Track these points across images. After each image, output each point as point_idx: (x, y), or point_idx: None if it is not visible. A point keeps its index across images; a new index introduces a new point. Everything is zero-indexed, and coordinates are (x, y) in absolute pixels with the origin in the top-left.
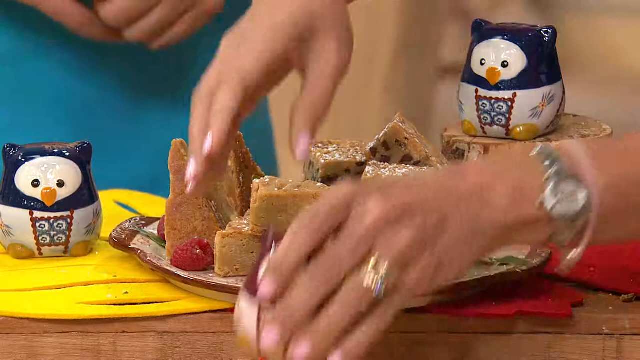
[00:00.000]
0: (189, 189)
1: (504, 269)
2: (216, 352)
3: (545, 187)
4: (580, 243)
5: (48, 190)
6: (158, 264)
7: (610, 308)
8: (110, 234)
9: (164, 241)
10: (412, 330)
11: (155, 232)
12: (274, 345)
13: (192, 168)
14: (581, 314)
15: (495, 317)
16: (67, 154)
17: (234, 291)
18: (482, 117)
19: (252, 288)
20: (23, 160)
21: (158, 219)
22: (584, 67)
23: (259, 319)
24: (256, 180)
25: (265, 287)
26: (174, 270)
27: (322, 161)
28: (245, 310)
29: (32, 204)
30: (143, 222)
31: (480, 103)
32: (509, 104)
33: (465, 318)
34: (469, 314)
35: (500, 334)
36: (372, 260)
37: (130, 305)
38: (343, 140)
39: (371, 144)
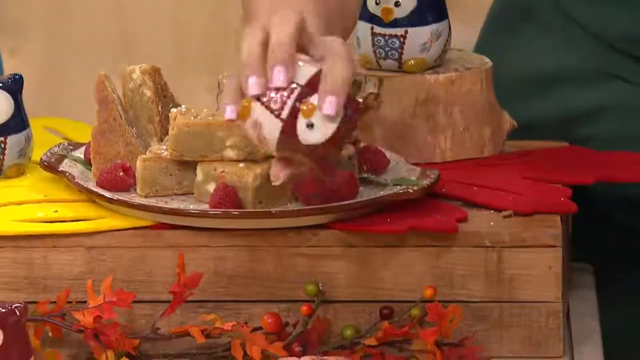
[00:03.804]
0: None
1: (398, 189)
2: (138, 265)
3: None
4: None
5: None
6: (85, 185)
7: (492, 223)
8: (41, 158)
9: (90, 164)
10: (315, 245)
11: (82, 156)
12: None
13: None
14: (466, 228)
15: (389, 232)
16: (0, 84)
17: (154, 210)
18: (377, 51)
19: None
20: None
21: (84, 144)
22: (468, 7)
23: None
24: (174, 110)
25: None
26: (100, 191)
27: None
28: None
29: None
30: (71, 147)
31: (375, 39)
32: (401, 40)
33: (363, 234)
34: (366, 230)
35: (394, 247)
36: None
37: (59, 223)
38: None
39: None
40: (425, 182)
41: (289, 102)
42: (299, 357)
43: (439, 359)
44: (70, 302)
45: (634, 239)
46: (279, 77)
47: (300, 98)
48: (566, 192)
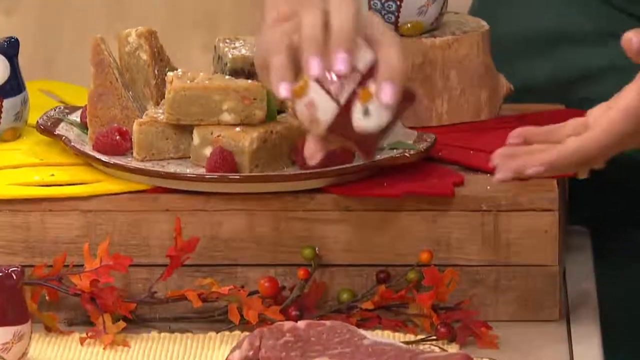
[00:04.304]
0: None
1: (394, 153)
2: (134, 229)
3: None
4: None
5: None
6: (81, 148)
7: (488, 187)
8: (37, 121)
9: (87, 128)
10: (312, 209)
11: (78, 119)
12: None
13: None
14: (462, 192)
15: (386, 196)
16: None
17: (151, 174)
18: None
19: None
20: None
21: (81, 107)
22: None
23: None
24: (170, 73)
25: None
26: (96, 154)
27: (230, 56)
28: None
29: None
30: (67, 111)
31: (372, 2)
32: (398, 3)
33: (359, 198)
34: (363, 194)
35: (391, 211)
36: None
37: (56, 187)
38: (248, 36)
39: None
40: (422, 145)
41: (348, 87)
42: (296, 321)
43: (436, 323)
44: (66, 266)
45: (631, 202)
46: (342, 63)
47: (359, 83)
48: None
